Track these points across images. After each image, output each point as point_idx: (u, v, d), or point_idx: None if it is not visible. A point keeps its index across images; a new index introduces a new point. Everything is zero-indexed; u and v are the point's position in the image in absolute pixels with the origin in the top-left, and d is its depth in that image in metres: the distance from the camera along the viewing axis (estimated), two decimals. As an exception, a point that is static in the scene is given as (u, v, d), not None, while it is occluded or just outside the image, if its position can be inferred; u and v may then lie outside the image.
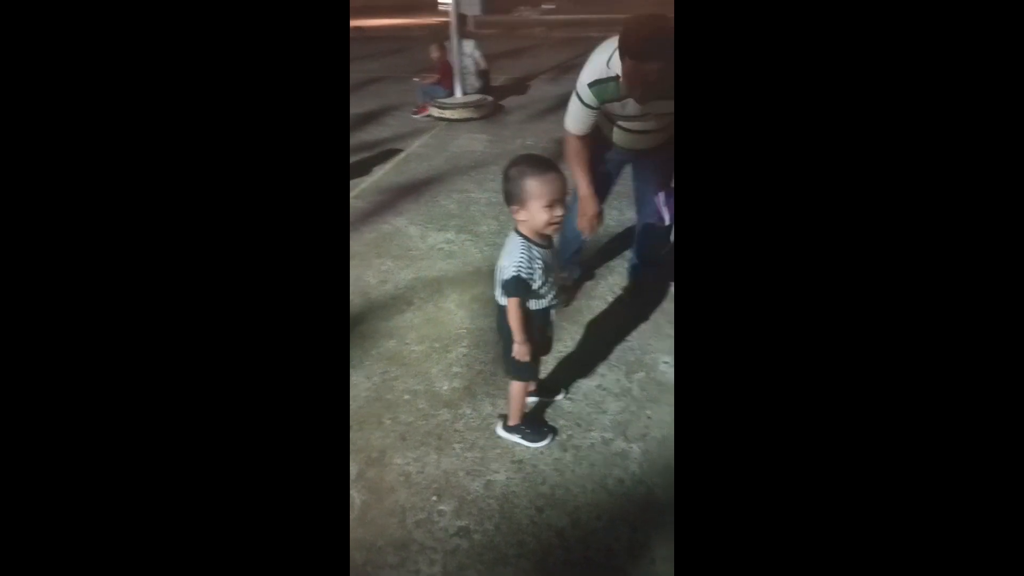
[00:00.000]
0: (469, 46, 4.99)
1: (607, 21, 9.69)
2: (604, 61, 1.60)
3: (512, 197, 1.22)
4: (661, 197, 1.88)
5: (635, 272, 2.19)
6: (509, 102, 5.25)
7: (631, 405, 1.66)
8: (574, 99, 1.70)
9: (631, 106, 1.64)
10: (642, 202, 2.00)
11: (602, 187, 1.89)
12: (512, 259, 1.25)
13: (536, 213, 1.20)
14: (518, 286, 1.25)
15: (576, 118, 1.72)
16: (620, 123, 1.77)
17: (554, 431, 1.55)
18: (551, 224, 1.22)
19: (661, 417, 1.61)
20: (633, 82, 1.50)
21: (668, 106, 1.62)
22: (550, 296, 1.37)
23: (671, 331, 1.98)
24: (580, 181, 1.77)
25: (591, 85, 1.63)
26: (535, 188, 1.18)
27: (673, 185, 1.92)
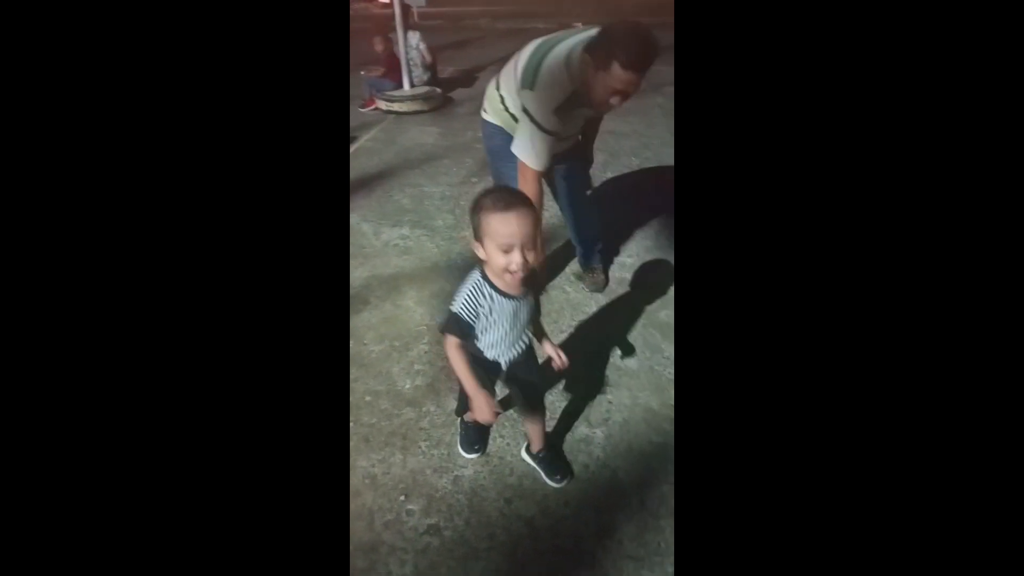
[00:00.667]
0: (415, 38, 4.89)
1: (553, 12, 9.72)
2: (564, 74, 1.46)
3: (474, 231, 1.07)
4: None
5: (587, 259, 2.22)
6: (457, 94, 5.20)
7: (593, 391, 1.69)
8: (533, 129, 1.49)
9: (571, 117, 1.54)
10: (568, 194, 2.01)
11: None
12: (458, 294, 1.12)
13: (492, 254, 1.04)
14: (452, 322, 1.11)
15: (541, 150, 1.51)
16: (554, 140, 1.59)
17: (483, 449, 1.50)
18: (507, 271, 1.04)
19: (621, 401, 1.65)
20: (611, 94, 1.39)
21: (589, 112, 1.57)
22: (505, 351, 1.20)
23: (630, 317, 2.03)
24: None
25: (557, 112, 1.46)
26: (490, 226, 1.02)
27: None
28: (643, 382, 1.73)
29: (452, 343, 1.12)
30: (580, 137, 1.97)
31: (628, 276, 2.28)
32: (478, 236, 1.06)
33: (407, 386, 1.72)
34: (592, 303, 2.11)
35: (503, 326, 1.15)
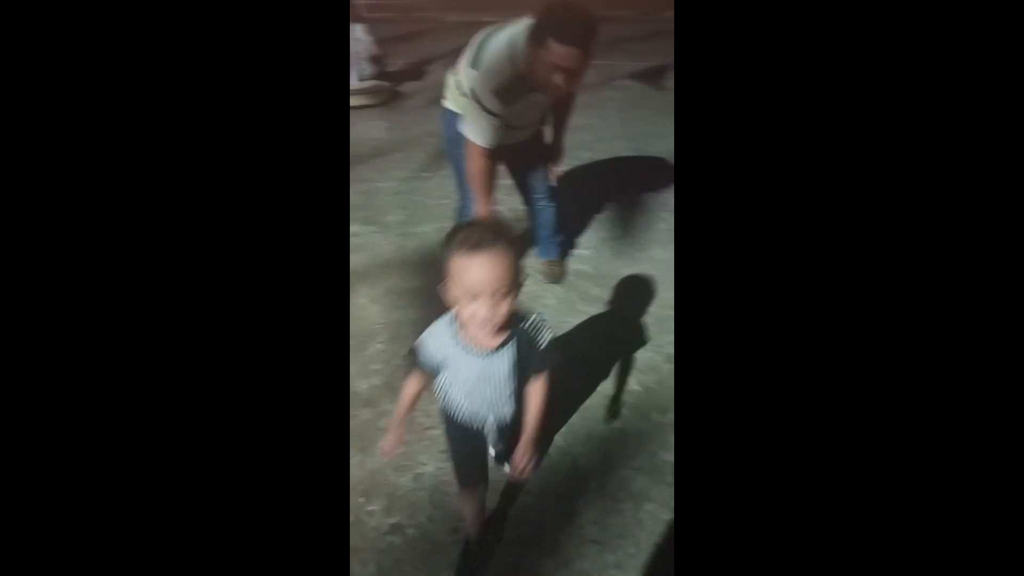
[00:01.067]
0: (360, 30, 4.77)
1: (503, 5, 9.69)
2: (505, 55, 1.46)
3: (445, 268, 0.88)
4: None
5: (546, 251, 2.23)
6: (406, 88, 5.10)
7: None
8: (478, 110, 1.50)
9: (521, 103, 1.54)
10: (529, 186, 2.03)
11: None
12: (428, 329, 0.98)
13: (457, 299, 0.87)
14: (411, 356, 0.99)
15: (487, 130, 1.53)
16: (500, 122, 1.57)
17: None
18: (472, 321, 0.86)
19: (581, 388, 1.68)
20: (552, 71, 1.39)
21: (542, 99, 1.58)
22: (480, 409, 1.00)
23: (584, 308, 2.05)
24: (480, 205, 1.71)
25: (497, 93, 1.47)
26: (454, 267, 0.84)
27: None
28: (601, 369, 1.75)
29: (411, 378, 1.03)
30: (547, 128, 1.96)
31: (586, 268, 2.30)
32: (447, 274, 0.87)
33: (363, 386, 1.69)
34: (549, 295, 2.13)
35: (467, 383, 0.97)
